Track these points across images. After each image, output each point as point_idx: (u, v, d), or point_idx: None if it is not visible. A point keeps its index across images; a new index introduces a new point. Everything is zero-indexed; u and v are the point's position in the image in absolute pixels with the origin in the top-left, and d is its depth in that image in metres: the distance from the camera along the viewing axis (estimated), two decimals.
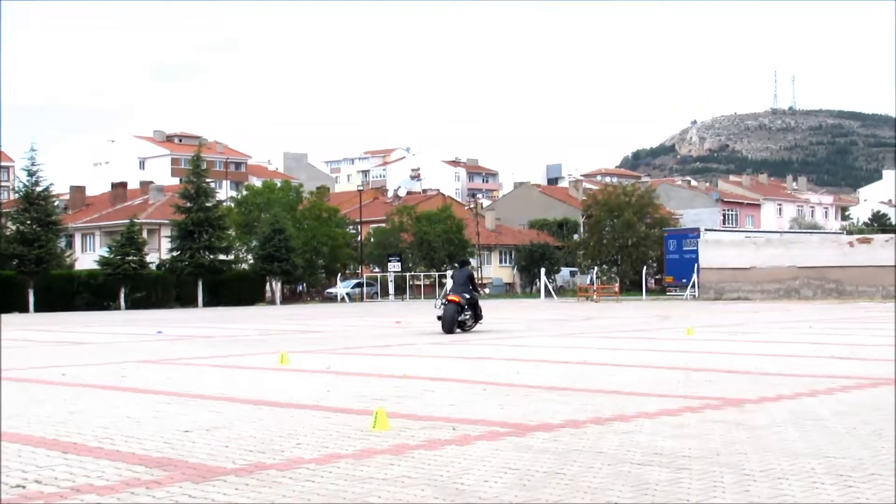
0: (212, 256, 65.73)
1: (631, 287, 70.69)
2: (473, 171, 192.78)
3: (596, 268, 72.64)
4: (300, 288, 78.65)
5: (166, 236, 74.44)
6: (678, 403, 11.12)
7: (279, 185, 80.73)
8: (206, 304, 64.09)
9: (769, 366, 15.68)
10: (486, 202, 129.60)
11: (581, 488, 6.87)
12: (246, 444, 8.88)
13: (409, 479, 7.26)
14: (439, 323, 26.11)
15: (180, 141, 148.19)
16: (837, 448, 8.25)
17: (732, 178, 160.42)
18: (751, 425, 9.52)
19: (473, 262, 74.44)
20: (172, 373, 16.19)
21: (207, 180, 70.88)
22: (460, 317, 26.20)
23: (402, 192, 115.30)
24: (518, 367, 15.93)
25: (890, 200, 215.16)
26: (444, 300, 26.60)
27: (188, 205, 66.16)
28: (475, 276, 28.10)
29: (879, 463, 7.59)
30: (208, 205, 66.78)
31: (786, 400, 11.35)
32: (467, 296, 26.40)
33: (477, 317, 26.83)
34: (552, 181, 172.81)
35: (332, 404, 11.57)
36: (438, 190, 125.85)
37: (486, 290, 70.37)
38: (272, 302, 68.29)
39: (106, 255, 64.57)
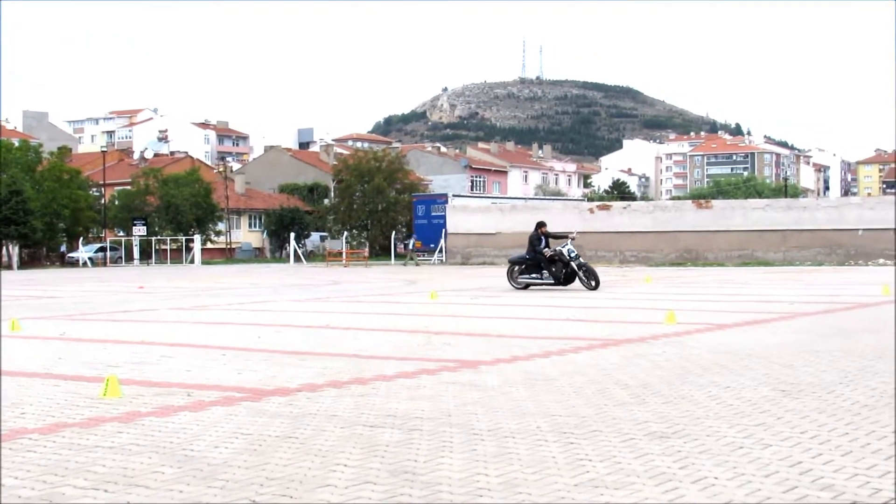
0: None
1: (381, 252, 71.26)
2: (223, 133, 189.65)
3: (346, 232, 72.82)
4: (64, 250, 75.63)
5: None
6: (416, 366, 11.27)
7: (17, 144, 77.19)
8: None
9: (507, 328, 16.09)
10: (236, 165, 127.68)
11: (312, 451, 6.88)
12: None
13: (137, 447, 7.10)
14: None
15: None
16: (563, 407, 8.54)
17: (481, 145, 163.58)
18: (484, 386, 9.74)
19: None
20: None
21: None
22: (517, 275, 27.83)
23: (148, 154, 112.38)
24: (259, 332, 15.80)
25: (629, 169, 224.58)
26: None
27: None
28: (540, 235, 27.77)
29: (601, 420, 7.89)
30: None
31: (520, 361, 11.66)
32: (526, 256, 27.75)
33: (557, 277, 27.01)
34: (303, 145, 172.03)
35: (62, 372, 11.20)
36: (187, 152, 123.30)
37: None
38: (9, 267, 65.34)
39: None
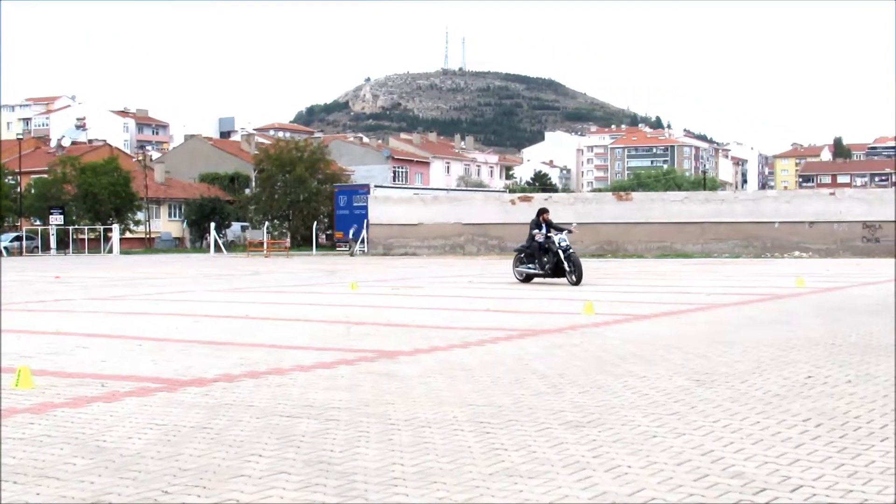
0: None
1: (302, 242, 70.93)
2: (143, 121, 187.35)
3: (267, 223, 72.34)
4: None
5: None
6: (335, 356, 11.25)
7: None
8: None
9: (427, 319, 16.11)
10: (155, 154, 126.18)
11: (226, 442, 6.83)
12: None
13: (49, 438, 7.00)
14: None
15: None
16: (481, 396, 8.57)
17: (403, 135, 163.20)
18: (402, 376, 9.75)
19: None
20: None
21: None
22: (518, 265, 26.41)
23: (66, 142, 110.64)
24: (177, 323, 15.65)
25: (551, 161, 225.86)
26: None
27: None
28: (540, 222, 26.10)
29: (517, 410, 7.93)
30: None
31: (439, 351, 11.69)
32: (526, 245, 26.16)
33: (542, 265, 25.30)
34: (224, 134, 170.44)
35: None
36: (105, 141, 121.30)
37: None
38: None
39: None
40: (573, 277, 24.78)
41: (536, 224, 26.05)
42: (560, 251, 24.96)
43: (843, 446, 6.62)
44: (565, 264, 24.90)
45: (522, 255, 26.33)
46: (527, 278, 26.10)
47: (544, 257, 25.37)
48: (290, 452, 6.51)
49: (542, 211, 26.61)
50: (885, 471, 5.96)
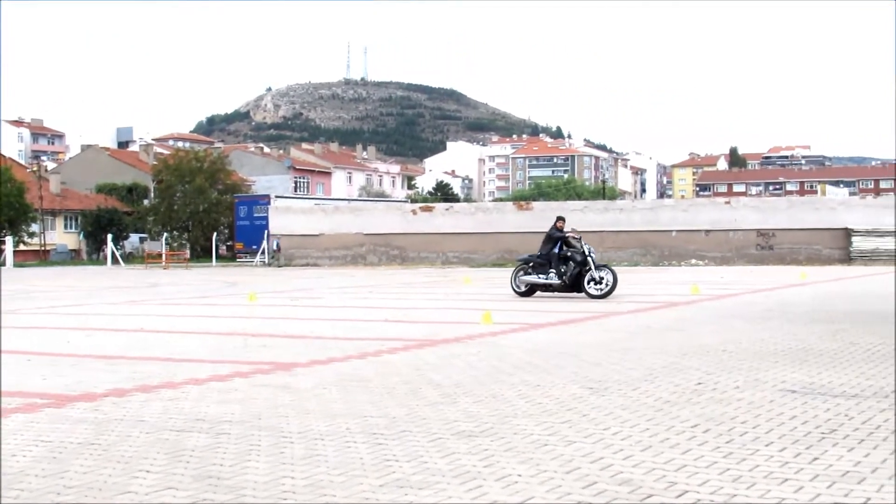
0: None
1: (202, 254, 70.17)
2: (38, 131, 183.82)
3: (166, 234, 71.43)
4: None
5: None
6: (230, 369, 11.14)
7: None
8: None
9: (326, 330, 16.05)
10: (51, 165, 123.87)
11: (114, 458, 6.73)
12: None
13: None
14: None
15: None
16: (375, 408, 8.56)
17: (305, 145, 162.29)
18: (297, 388, 9.69)
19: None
20: None
21: None
22: (522, 276, 24.04)
23: None
24: (69, 336, 15.37)
25: (453, 171, 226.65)
26: None
27: None
28: (556, 232, 23.99)
29: (411, 421, 7.94)
30: None
31: (336, 363, 11.65)
32: (539, 254, 23.91)
33: (560, 275, 23.20)
34: (122, 144, 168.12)
35: None
36: None
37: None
38: None
39: None
40: (598, 291, 22.75)
41: (557, 230, 24.14)
42: (590, 260, 23.08)
43: (730, 451, 6.74)
44: (595, 273, 22.91)
45: (530, 265, 24.13)
46: (528, 291, 24.08)
47: (563, 266, 23.41)
48: (178, 467, 6.44)
49: (560, 219, 24.68)
50: (769, 475, 6.09)
